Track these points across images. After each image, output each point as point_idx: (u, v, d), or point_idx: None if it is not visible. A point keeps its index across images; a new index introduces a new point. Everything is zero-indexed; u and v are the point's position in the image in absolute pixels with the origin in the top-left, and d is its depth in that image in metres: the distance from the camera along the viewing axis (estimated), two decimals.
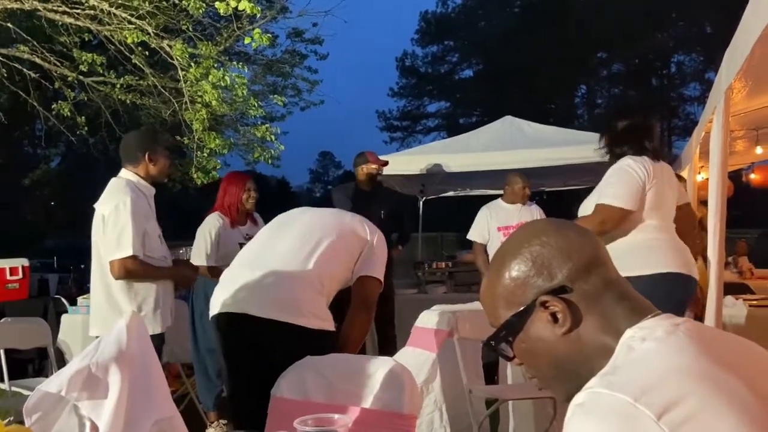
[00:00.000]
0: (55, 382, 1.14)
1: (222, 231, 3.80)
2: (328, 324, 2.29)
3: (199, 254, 3.81)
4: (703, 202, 3.59)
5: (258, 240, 2.52)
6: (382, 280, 2.43)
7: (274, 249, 2.38)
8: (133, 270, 2.85)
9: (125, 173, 3.00)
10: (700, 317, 3.10)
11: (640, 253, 2.62)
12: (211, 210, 3.92)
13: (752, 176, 6.78)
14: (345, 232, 2.39)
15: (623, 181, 2.62)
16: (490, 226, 4.81)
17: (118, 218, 2.83)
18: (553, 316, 0.88)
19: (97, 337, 2.92)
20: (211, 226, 3.83)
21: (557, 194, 9.23)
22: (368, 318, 2.43)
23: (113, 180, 3.00)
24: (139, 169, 2.99)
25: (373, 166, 4.63)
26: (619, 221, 2.59)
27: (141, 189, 2.97)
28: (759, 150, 5.21)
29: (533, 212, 4.78)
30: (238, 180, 3.95)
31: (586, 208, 2.77)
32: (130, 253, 2.81)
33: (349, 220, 2.46)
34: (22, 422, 1.21)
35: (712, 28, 23.65)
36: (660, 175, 2.67)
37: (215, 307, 2.38)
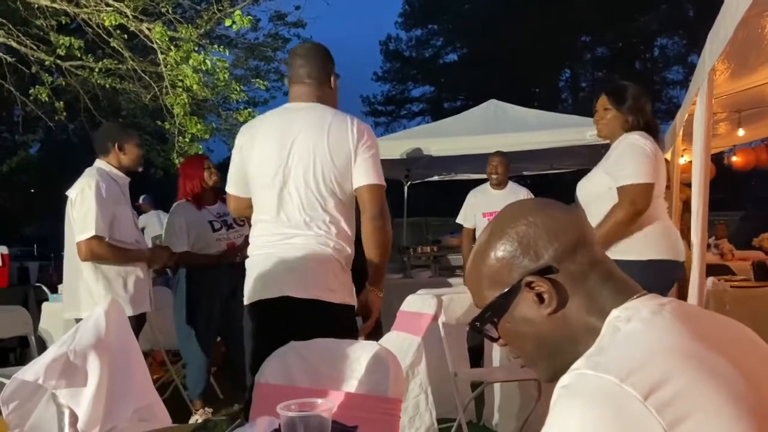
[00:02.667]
0: (31, 371, 1.11)
1: (189, 216, 3.81)
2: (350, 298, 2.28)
3: (171, 244, 3.76)
4: (687, 185, 3.61)
5: (265, 205, 2.31)
6: (382, 182, 2.28)
7: (284, 225, 2.25)
8: (98, 251, 2.95)
9: (98, 163, 3.19)
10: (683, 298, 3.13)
11: (635, 237, 2.63)
12: (177, 200, 3.94)
13: (734, 159, 6.84)
14: (335, 161, 2.23)
15: (638, 157, 2.59)
16: (476, 210, 4.82)
17: (83, 201, 2.96)
18: (539, 296, 0.87)
19: (76, 320, 2.94)
20: (177, 215, 3.86)
21: (542, 177, 9.27)
22: (381, 224, 2.26)
23: (86, 169, 3.16)
24: (111, 159, 3.16)
25: None
26: (649, 198, 2.56)
27: (112, 177, 3.12)
28: (741, 132, 5.25)
29: (520, 196, 4.76)
30: (194, 162, 4.00)
31: (588, 191, 2.74)
32: (92, 233, 2.91)
33: (332, 141, 2.23)
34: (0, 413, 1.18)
35: (694, 11, 23.77)
36: (659, 154, 2.68)
37: (251, 295, 2.28)
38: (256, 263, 2.28)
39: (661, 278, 2.59)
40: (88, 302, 2.97)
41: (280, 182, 2.25)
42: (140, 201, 7.38)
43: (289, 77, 2.39)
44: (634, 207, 2.54)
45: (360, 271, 2.36)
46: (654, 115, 2.74)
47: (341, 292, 2.25)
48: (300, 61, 2.34)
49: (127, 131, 3.31)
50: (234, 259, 3.76)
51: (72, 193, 3.02)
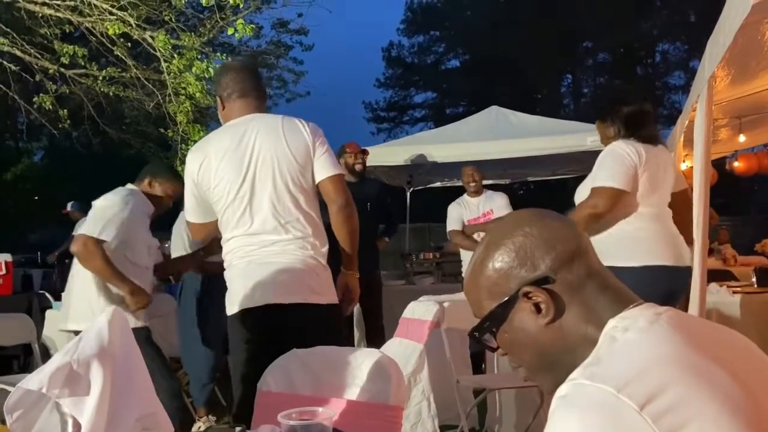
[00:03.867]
0: (35, 380, 1.12)
1: None
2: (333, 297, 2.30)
3: (177, 250, 3.89)
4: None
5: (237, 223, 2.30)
6: (340, 171, 2.32)
7: (259, 233, 2.25)
8: (88, 250, 2.80)
9: (131, 186, 3.11)
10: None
11: (628, 244, 2.63)
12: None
13: (736, 164, 6.83)
14: (297, 160, 2.26)
15: (614, 162, 2.63)
16: (461, 218, 4.90)
17: (104, 204, 2.90)
18: (536, 306, 0.88)
19: (74, 332, 2.90)
20: (183, 222, 3.85)
21: (544, 184, 9.27)
22: (350, 211, 2.29)
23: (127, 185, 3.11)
24: (142, 187, 3.09)
25: (350, 157, 4.64)
26: (613, 202, 2.58)
27: (143, 199, 3.05)
28: (742, 138, 5.25)
29: (495, 201, 4.87)
30: None
31: (582, 195, 2.77)
32: (95, 234, 2.80)
33: (290, 141, 2.26)
34: (4, 421, 1.19)
35: (695, 16, 23.78)
36: (654, 159, 2.67)
37: (236, 304, 2.27)
38: (237, 273, 2.26)
39: (655, 284, 2.57)
40: (87, 314, 2.88)
41: (248, 192, 2.24)
42: (68, 208, 7.08)
43: (226, 94, 2.37)
44: (594, 209, 2.58)
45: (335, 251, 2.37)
46: (641, 118, 2.75)
47: (325, 292, 2.27)
48: (239, 76, 2.35)
49: (165, 171, 3.21)
50: None
51: (100, 200, 2.96)
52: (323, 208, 2.34)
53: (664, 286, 2.63)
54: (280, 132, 2.27)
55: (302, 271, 2.22)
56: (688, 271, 2.70)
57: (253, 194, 2.24)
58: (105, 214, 2.85)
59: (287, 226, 2.23)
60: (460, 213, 4.93)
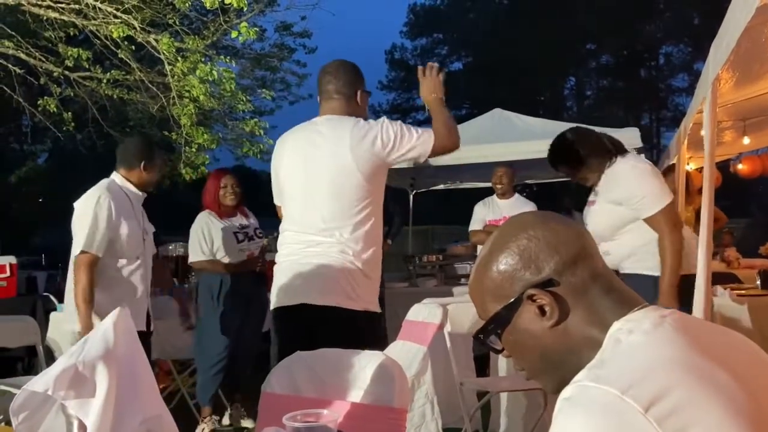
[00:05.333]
0: (41, 382, 1.12)
1: (212, 226, 3.96)
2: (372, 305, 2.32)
3: (194, 251, 3.98)
4: (698, 190, 3.62)
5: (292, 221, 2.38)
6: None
7: (306, 233, 2.30)
8: (77, 265, 2.85)
9: (114, 176, 3.07)
10: None
11: (641, 255, 2.63)
12: (202, 209, 4.08)
13: (740, 166, 6.82)
14: (360, 168, 2.24)
15: (648, 180, 2.62)
16: (485, 219, 4.88)
17: (83, 215, 2.89)
18: (541, 309, 0.88)
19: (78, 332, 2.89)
20: (201, 223, 3.99)
21: (547, 186, 9.27)
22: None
23: (101, 181, 3.05)
24: (131, 175, 3.05)
25: None
26: (677, 214, 2.61)
27: (125, 191, 3.03)
28: (746, 140, 5.24)
29: (521, 208, 4.80)
30: (213, 178, 4.13)
31: (606, 226, 2.69)
32: (81, 248, 2.84)
33: (354, 148, 2.24)
34: (10, 422, 1.20)
35: (699, 18, 23.75)
36: None
37: (275, 301, 2.37)
38: (281, 270, 2.35)
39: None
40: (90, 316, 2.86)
41: (303, 192, 2.31)
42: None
43: (318, 94, 2.44)
44: (677, 229, 2.57)
45: None
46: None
47: (362, 299, 2.28)
48: (328, 78, 2.40)
49: (157, 152, 3.17)
50: (254, 268, 3.95)
51: (77, 204, 2.97)
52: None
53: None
54: (347, 138, 2.26)
55: (340, 275, 2.24)
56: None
57: (309, 195, 2.29)
58: (84, 227, 2.86)
59: (334, 231, 2.25)
60: (484, 214, 4.89)
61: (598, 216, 2.76)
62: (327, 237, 2.25)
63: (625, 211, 2.64)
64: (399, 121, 2.33)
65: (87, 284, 2.84)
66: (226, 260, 3.91)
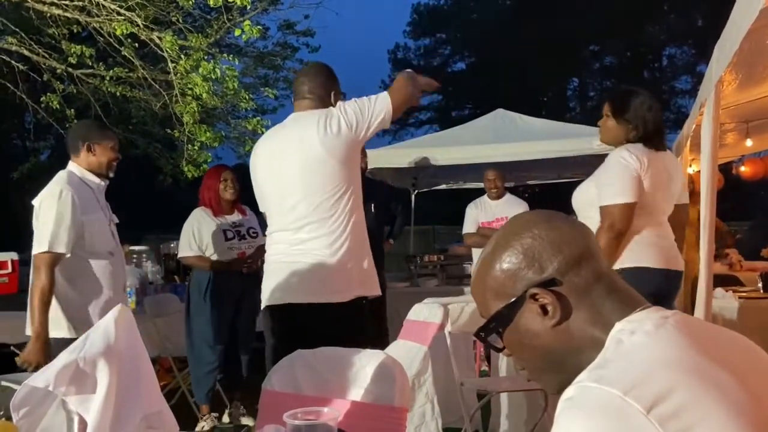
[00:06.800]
0: (42, 377, 1.13)
1: (203, 222, 3.96)
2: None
3: (183, 247, 3.99)
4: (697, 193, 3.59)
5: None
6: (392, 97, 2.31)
7: (293, 232, 2.32)
8: (42, 266, 2.65)
9: (70, 165, 2.88)
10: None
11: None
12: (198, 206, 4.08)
13: (743, 169, 6.81)
14: (335, 154, 2.26)
15: (619, 175, 2.58)
16: (478, 221, 4.89)
17: (44, 211, 2.70)
18: (543, 308, 0.88)
19: (53, 339, 2.67)
20: (193, 219, 4.00)
21: (550, 187, 9.26)
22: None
23: (58, 173, 2.86)
24: (80, 161, 2.85)
25: None
26: (629, 217, 2.54)
27: (84, 181, 2.83)
28: (749, 142, 5.24)
29: (513, 208, 4.82)
30: (213, 173, 4.12)
31: (580, 201, 2.75)
32: (45, 248, 2.64)
33: (324, 137, 2.25)
34: (11, 418, 1.20)
35: (702, 20, 23.71)
36: (655, 165, 2.63)
37: (263, 300, 2.41)
38: (268, 271, 2.38)
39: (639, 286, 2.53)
40: (53, 321, 2.70)
41: (279, 192, 2.33)
42: None
43: (293, 96, 2.48)
44: (612, 230, 2.53)
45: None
46: (659, 122, 2.71)
47: (353, 287, 2.30)
48: (302, 79, 2.43)
49: (103, 132, 2.93)
50: (240, 268, 3.88)
51: (37, 201, 2.75)
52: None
53: (644, 289, 2.59)
54: (315, 128, 2.27)
55: (326, 272, 2.26)
56: (676, 273, 2.68)
57: (289, 193, 2.31)
58: (44, 225, 2.66)
59: (315, 224, 2.27)
60: (475, 215, 4.92)
61: (579, 190, 2.78)
62: (310, 233, 2.28)
63: (595, 190, 2.65)
64: (353, 99, 2.35)
65: (47, 285, 2.64)
66: (214, 257, 3.90)
